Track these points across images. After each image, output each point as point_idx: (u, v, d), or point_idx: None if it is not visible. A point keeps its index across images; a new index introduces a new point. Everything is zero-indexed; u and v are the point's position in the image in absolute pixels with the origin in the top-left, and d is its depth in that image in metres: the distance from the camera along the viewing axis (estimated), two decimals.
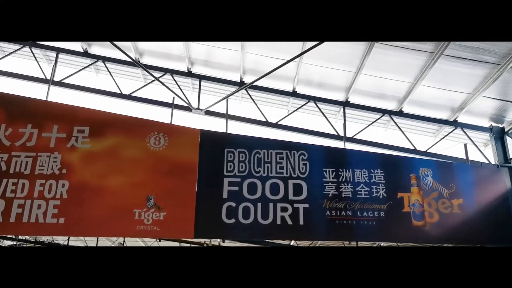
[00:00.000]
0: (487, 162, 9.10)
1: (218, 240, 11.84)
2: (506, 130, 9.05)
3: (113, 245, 16.62)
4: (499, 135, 9.08)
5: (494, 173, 7.88)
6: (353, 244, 12.42)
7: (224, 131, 8.45)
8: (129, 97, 9.51)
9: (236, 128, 9.44)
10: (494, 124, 9.15)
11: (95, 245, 16.69)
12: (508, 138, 9.04)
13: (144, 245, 16.87)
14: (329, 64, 8.46)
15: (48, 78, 9.21)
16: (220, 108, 9.09)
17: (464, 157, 8.55)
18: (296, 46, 7.84)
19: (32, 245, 15.49)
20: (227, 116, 8.92)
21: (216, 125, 9.27)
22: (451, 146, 9.66)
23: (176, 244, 14.82)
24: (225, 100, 8.73)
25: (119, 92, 9.51)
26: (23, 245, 16.12)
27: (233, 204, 6.61)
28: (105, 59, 9.59)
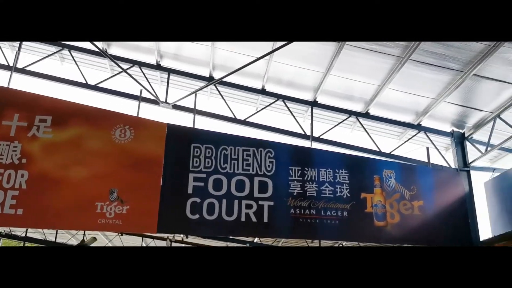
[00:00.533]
0: (448, 166, 9.37)
1: (182, 235, 11.73)
2: (466, 135, 9.33)
3: (73, 238, 16.24)
4: (459, 140, 9.36)
5: (453, 177, 8.15)
6: (316, 243, 12.56)
7: (192, 126, 8.38)
8: (95, 87, 9.29)
9: (204, 124, 9.40)
10: (455, 129, 9.42)
11: (54, 238, 16.26)
12: (468, 143, 9.33)
13: (105, 239, 16.56)
14: (299, 63, 8.50)
15: (11, 64, 8.90)
16: (188, 102, 9.01)
17: (426, 160, 8.79)
18: (267, 44, 7.85)
19: None
20: (194, 111, 8.84)
21: (184, 120, 9.21)
22: (414, 149, 9.90)
23: (139, 239, 14.62)
24: (194, 94, 8.66)
25: (85, 82, 9.28)
26: None
27: (198, 200, 6.59)
28: (70, 47, 9.33)
